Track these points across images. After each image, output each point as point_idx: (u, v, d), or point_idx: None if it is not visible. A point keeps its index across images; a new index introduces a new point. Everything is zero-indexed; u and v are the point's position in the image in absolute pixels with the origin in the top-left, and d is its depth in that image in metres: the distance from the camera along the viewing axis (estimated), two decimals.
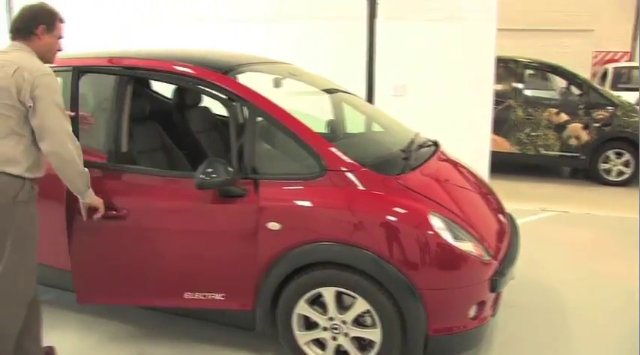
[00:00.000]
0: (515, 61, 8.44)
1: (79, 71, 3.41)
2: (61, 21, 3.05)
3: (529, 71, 8.63)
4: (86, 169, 2.98)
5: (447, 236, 2.93)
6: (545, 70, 8.76)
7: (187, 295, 3.27)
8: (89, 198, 3.08)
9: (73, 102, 3.33)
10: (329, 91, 4.31)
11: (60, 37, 3.05)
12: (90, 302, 3.50)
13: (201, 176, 2.99)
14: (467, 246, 2.97)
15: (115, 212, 3.21)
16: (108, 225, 3.23)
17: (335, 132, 4.14)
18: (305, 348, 3.19)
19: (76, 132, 3.11)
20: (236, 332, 3.51)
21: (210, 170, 2.98)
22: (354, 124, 4.32)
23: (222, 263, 3.22)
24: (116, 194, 3.29)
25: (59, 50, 3.08)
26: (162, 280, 3.37)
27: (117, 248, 3.36)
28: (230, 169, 3.01)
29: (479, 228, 3.18)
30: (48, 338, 3.28)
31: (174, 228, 3.28)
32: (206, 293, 3.25)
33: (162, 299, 3.41)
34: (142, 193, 3.35)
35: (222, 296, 3.22)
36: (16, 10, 3.08)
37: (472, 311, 3.04)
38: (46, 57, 3.00)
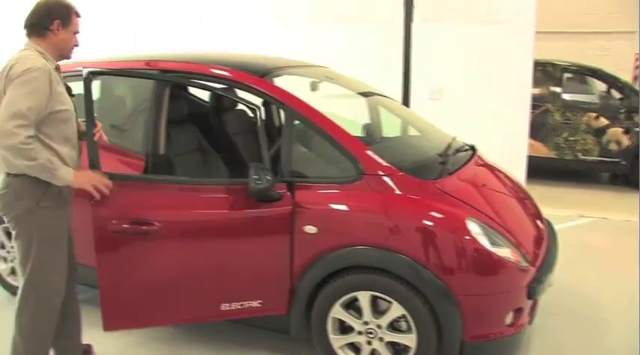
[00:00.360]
0: (553, 65, 8.32)
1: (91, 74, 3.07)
2: (77, 15, 2.94)
3: (567, 74, 8.46)
4: (37, 160, 2.65)
5: (484, 241, 2.90)
6: (584, 74, 8.57)
7: (224, 306, 3.18)
8: (61, 181, 2.77)
9: (87, 104, 3.03)
10: (365, 94, 4.30)
11: (76, 32, 2.95)
12: (119, 327, 3.21)
13: (251, 184, 2.96)
14: (504, 252, 2.94)
15: (146, 226, 3.03)
16: (138, 240, 3.06)
17: (371, 136, 4.12)
18: (339, 352, 3.18)
19: (91, 135, 3.00)
20: (271, 335, 3.52)
21: (255, 177, 2.95)
22: (391, 128, 4.31)
23: (259, 269, 3.17)
24: (146, 206, 3.08)
25: (76, 46, 2.98)
26: (197, 294, 3.21)
27: (149, 264, 3.13)
28: (268, 177, 2.96)
29: (516, 234, 3.14)
30: (88, 337, 3.34)
31: (209, 237, 3.16)
32: (243, 302, 3.18)
33: (198, 315, 3.29)
34: (174, 204, 3.14)
35: (259, 303, 3.19)
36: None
37: (509, 318, 3.00)
38: (62, 54, 2.93)
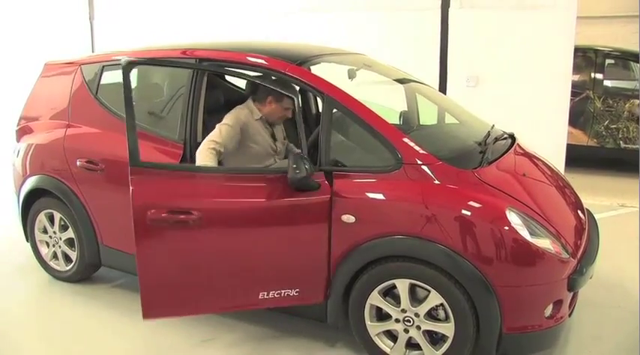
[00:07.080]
0: (595, 50, 8.11)
1: (129, 63, 3.05)
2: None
3: (609, 60, 8.24)
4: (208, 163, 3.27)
5: (523, 232, 2.86)
6: (627, 59, 8.34)
7: (262, 295, 3.18)
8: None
9: (127, 94, 2.99)
10: (402, 81, 4.26)
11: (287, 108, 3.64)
12: (158, 316, 3.25)
13: (290, 173, 2.97)
14: (544, 243, 2.89)
15: (184, 215, 3.01)
16: (177, 229, 3.04)
17: (408, 124, 4.09)
18: (376, 339, 3.19)
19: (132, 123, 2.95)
20: (310, 323, 3.53)
21: (294, 166, 2.95)
22: (428, 115, 4.26)
23: (297, 258, 3.17)
24: (185, 195, 3.08)
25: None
26: (235, 283, 3.21)
27: (188, 254, 3.13)
28: (307, 167, 2.95)
29: (557, 225, 3.09)
30: (123, 322, 3.38)
31: (247, 225, 3.14)
32: (281, 291, 3.18)
33: (235, 304, 3.29)
34: (212, 193, 3.13)
35: (297, 292, 3.20)
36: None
37: (548, 310, 2.96)
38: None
